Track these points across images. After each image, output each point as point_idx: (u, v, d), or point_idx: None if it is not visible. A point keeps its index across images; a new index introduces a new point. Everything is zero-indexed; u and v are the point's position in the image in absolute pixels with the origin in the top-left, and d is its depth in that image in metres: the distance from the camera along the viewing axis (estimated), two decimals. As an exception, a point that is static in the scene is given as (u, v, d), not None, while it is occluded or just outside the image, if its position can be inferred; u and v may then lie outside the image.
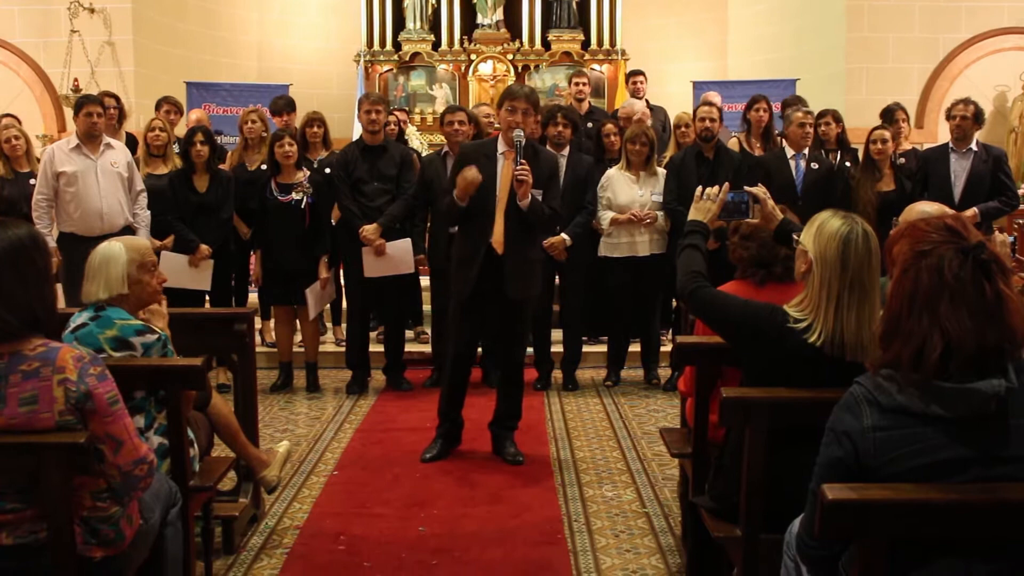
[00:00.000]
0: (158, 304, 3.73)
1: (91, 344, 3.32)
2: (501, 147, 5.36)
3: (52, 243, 6.56)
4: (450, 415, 5.62)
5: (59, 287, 6.51)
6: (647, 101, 9.40)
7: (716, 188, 3.58)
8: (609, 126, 7.54)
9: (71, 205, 6.66)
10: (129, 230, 6.63)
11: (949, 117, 7.37)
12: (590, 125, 8.33)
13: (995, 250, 2.20)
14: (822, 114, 7.66)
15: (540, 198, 5.27)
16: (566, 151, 6.95)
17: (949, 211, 3.35)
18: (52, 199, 6.68)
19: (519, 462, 5.44)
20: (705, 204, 3.55)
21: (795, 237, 3.19)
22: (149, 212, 6.93)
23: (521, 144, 5.15)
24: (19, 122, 7.91)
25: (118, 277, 3.51)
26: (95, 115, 6.72)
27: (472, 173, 5.13)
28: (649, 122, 8.24)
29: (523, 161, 5.12)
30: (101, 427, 2.67)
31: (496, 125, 6.90)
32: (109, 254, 3.54)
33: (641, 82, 9.72)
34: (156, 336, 3.48)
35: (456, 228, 5.70)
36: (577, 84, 9.23)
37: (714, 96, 9.02)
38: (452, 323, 5.63)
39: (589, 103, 9.44)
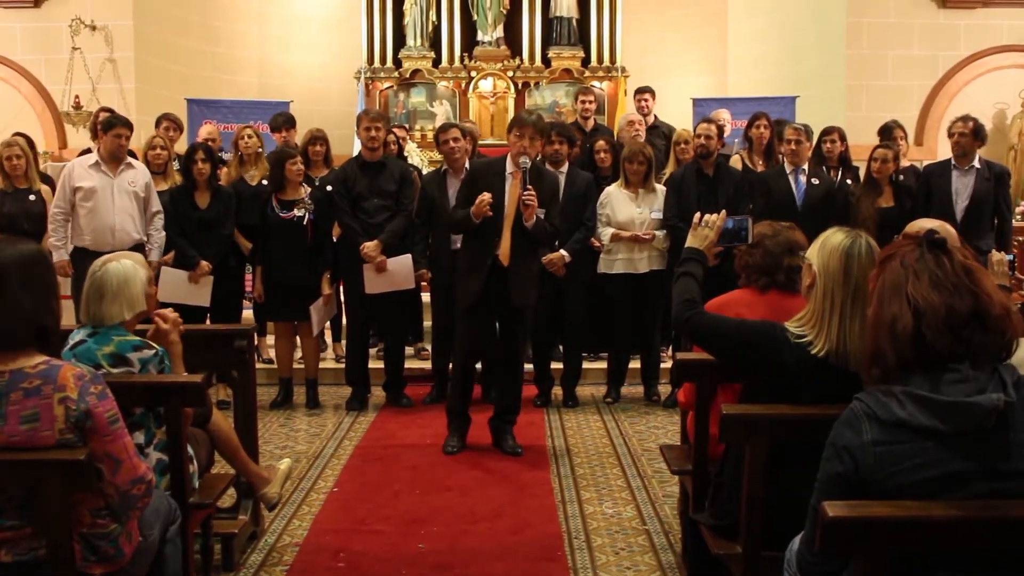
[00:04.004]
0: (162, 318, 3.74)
1: (89, 360, 3.32)
2: (509, 167, 5.75)
3: (66, 256, 6.68)
4: (460, 412, 6.01)
5: (68, 302, 6.55)
6: (655, 117, 9.41)
7: (715, 216, 3.59)
8: (600, 143, 7.54)
9: (85, 220, 6.72)
10: (139, 248, 6.65)
11: (949, 135, 7.40)
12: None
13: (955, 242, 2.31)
14: (828, 131, 7.65)
15: (543, 215, 5.68)
16: (564, 167, 6.97)
17: (951, 229, 3.36)
18: (68, 213, 6.75)
19: (518, 453, 5.84)
20: (703, 231, 3.57)
21: (801, 254, 3.21)
22: (164, 234, 6.96)
23: (527, 169, 5.60)
24: (29, 141, 7.89)
25: (139, 295, 3.55)
26: (124, 138, 6.80)
27: (488, 199, 5.59)
28: (643, 135, 8.28)
29: (530, 187, 5.58)
30: (100, 446, 2.67)
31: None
32: (126, 274, 3.54)
33: (647, 100, 9.48)
34: (153, 351, 3.48)
35: (460, 241, 6.15)
36: (583, 102, 9.22)
37: (723, 113, 9.04)
38: (458, 328, 6.06)
39: (594, 120, 9.44)
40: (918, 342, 2.16)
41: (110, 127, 6.80)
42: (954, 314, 2.15)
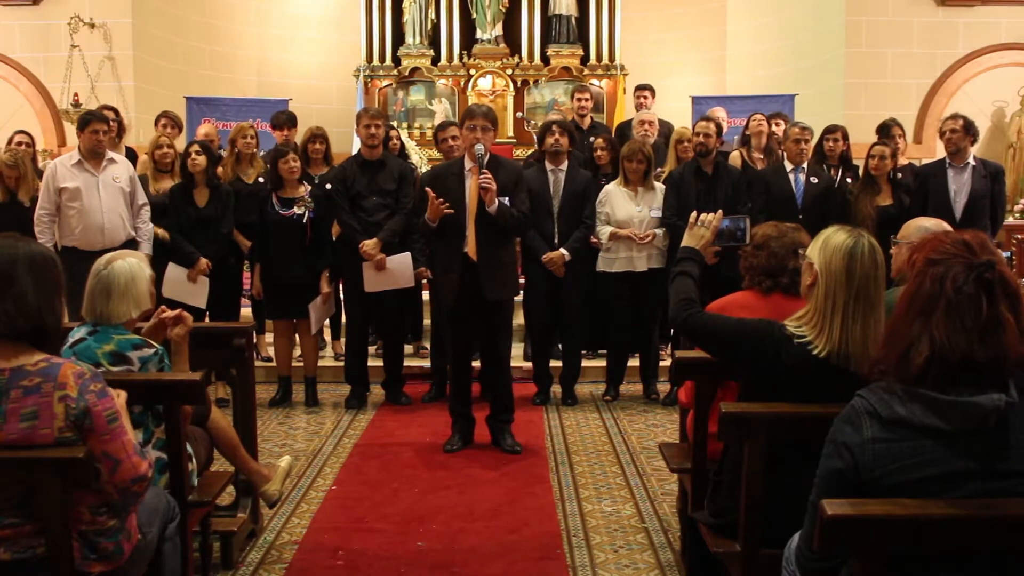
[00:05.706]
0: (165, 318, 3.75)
1: (89, 358, 3.33)
2: (468, 164, 5.81)
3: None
4: (462, 413, 6.06)
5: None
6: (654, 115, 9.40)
7: (711, 215, 3.59)
8: (599, 140, 7.55)
9: (73, 220, 6.67)
10: (131, 244, 6.63)
11: (941, 134, 7.42)
12: (592, 140, 8.32)
13: (1006, 273, 2.20)
14: (831, 130, 7.62)
15: (507, 202, 5.74)
16: (564, 165, 6.97)
17: (947, 227, 3.36)
18: (54, 214, 6.69)
19: (517, 451, 5.89)
20: (699, 231, 3.58)
21: (801, 252, 3.20)
22: (152, 226, 6.94)
23: (483, 156, 5.67)
24: (31, 141, 7.86)
25: (145, 294, 3.57)
26: (100, 132, 6.72)
27: (441, 206, 5.66)
28: (654, 136, 8.26)
29: (486, 171, 5.64)
30: (98, 445, 2.66)
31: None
32: (132, 272, 3.55)
33: (646, 97, 9.56)
34: (153, 350, 3.48)
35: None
36: (579, 100, 9.21)
37: (718, 111, 9.02)
38: (445, 330, 6.20)
39: (591, 118, 9.43)
40: (925, 372, 2.15)
41: (85, 124, 6.75)
42: (970, 360, 2.13)
